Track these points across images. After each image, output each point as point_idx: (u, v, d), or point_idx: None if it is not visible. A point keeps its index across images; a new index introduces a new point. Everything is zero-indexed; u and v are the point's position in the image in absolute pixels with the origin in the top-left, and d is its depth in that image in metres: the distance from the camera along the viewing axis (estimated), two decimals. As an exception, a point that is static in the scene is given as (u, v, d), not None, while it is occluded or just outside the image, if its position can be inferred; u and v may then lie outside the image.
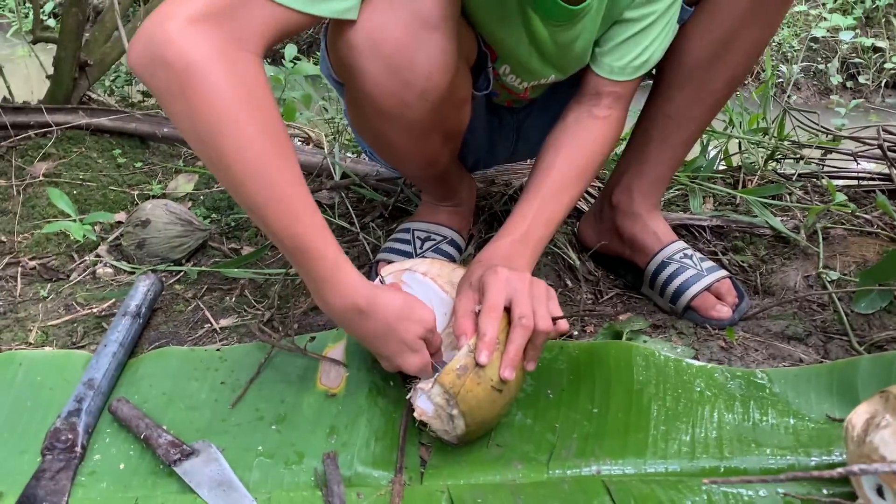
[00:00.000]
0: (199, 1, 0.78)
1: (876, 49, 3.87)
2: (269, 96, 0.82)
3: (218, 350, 1.13)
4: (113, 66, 2.37)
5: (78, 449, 0.96)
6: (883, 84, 3.79)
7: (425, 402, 0.93)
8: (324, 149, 1.87)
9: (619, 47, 1.08)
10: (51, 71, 1.88)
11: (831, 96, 3.20)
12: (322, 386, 1.02)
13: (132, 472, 0.94)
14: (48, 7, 3.50)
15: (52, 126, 1.75)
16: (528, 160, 1.58)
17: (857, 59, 3.88)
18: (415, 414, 0.94)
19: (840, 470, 0.73)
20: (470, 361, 0.89)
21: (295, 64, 1.83)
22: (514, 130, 1.31)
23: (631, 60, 1.09)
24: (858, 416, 0.83)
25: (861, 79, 3.84)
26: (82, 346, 1.20)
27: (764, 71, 1.91)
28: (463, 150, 1.31)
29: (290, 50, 1.79)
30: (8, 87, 1.88)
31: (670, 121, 1.23)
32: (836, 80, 3.79)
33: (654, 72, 1.20)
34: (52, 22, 3.26)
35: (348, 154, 1.97)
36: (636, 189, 1.30)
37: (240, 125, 0.79)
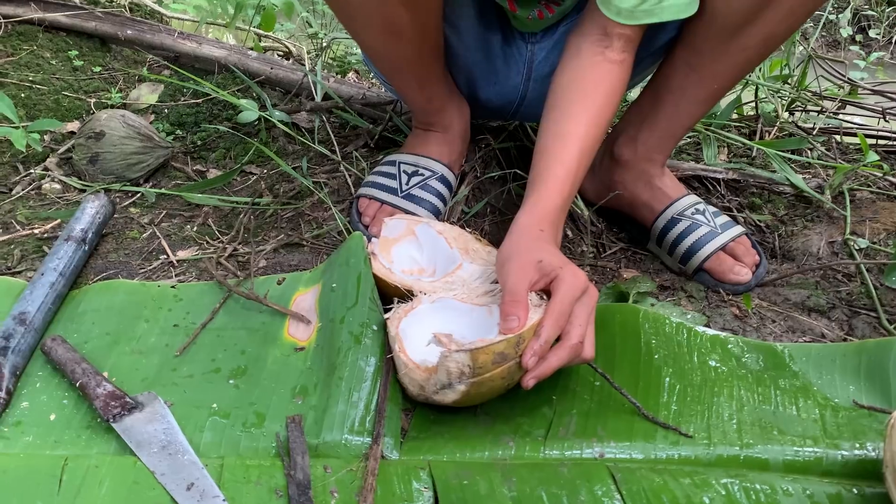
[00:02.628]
0: None
1: (890, 2, 3.71)
2: None
3: (173, 287, 0.99)
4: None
5: (2, 394, 0.83)
6: (894, 40, 3.64)
7: (428, 348, 0.81)
8: (305, 65, 1.69)
9: None
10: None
11: (850, 47, 3.04)
12: (290, 337, 0.89)
13: (64, 424, 0.81)
14: None
15: (-1, 18, 1.56)
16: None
17: (869, 12, 3.71)
18: (395, 346, 0.82)
19: None
20: (511, 353, 0.77)
21: (277, -34, 1.64)
22: (526, 64, 1.15)
23: (639, 3, 0.94)
24: (906, 414, 0.72)
25: (871, 32, 3.69)
26: (18, 273, 1.06)
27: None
28: (457, 69, 1.16)
29: (272, -50, 1.61)
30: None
31: (692, 72, 1.08)
32: (846, 32, 3.63)
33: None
34: None
35: (332, 74, 1.79)
36: (642, 143, 1.16)
37: None
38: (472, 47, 1.12)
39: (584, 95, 0.99)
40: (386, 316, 0.87)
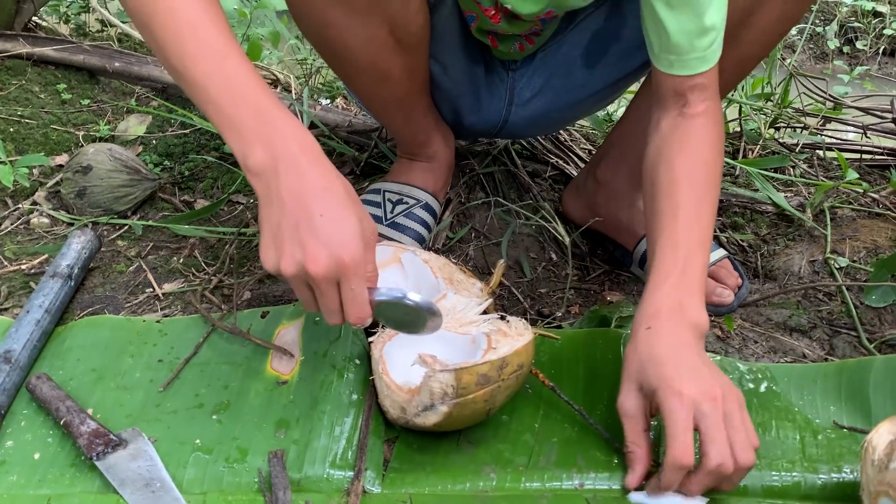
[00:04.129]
0: None
1: (876, 14, 3.73)
2: None
3: (158, 321, 1.00)
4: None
5: (-13, 434, 0.83)
6: (881, 51, 3.66)
7: (411, 370, 0.82)
8: (292, 92, 1.71)
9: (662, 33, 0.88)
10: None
11: (833, 62, 3.08)
12: (273, 371, 0.90)
13: (48, 463, 0.82)
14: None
15: (-12, 54, 1.57)
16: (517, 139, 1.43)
17: (856, 24, 3.74)
18: (378, 367, 0.83)
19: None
20: (495, 376, 0.78)
21: (261, -3, 1.66)
22: (508, 90, 1.16)
23: (688, 51, 0.88)
24: (880, 437, 0.73)
25: (859, 44, 3.71)
26: (5, 310, 1.06)
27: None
28: (443, 100, 1.17)
29: (257, -19, 1.63)
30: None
31: None
32: (833, 44, 3.65)
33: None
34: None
35: (321, 100, 1.81)
36: (624, 166, 1.17)
37: None
38: (457, 80, 1.14)
39: (669, 166, 0.91)
40: (370, 339, 0.88)
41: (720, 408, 0.75)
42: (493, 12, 1.00)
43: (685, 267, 0.84)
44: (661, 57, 0.91)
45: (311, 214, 0.74)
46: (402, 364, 0.85)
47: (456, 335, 0.88)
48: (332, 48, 0.99)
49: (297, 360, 0.91)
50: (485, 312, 0.95)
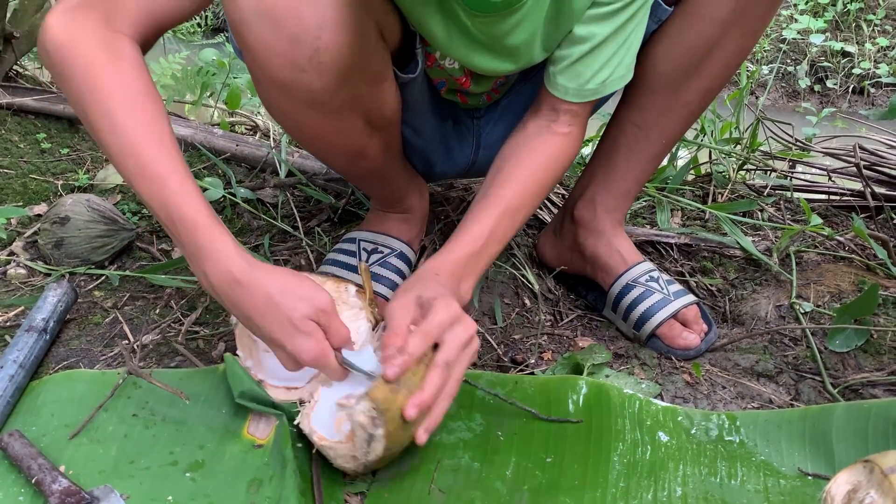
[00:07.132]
0: None
1: (845, 54, 3.84)
2: (139, 69, 0.87)
3: (132, 374, 1.00)
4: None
5: (-42, 494, 0.83)
6: (850, 89, 3.76)
7: (339, 422, 0.84)
8: (270, 139, 1.73)
9: (571, 69, 0.98)
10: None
11: (803, 104, 3.16)
12: (249, 435, 0.90)
13: (20, 522, 0.82)
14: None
15: (-32, 104, 1.59)
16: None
17: (825, 63, 3.84)
18: (314, 438, 0.85)
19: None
20: (402, 379, 0.81)
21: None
22: (475, 137, 1.20)
23: (585, 83, 0.99)
24: (839, 487, 0.75)
25: (829, 83, 3.81)
26: (-21, 364, 1.07)
27: (739, 74, 1.83)
28: (415, 154, 1.20)
29: (236, 32, 1.66)
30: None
31: (639, 131, 1.14)
32: (804, 83, 3.75)
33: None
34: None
35: (299, 148, 1.84)
36: (600, 203, 1.20)
37: (104, 95, 0.85)
38: (429, 138, 1.17)
39: (517, 162, 1.03)
40: (296, 421, 0.88)
41: (466, 336, 0.86)
42: (463, 79, 1.04)
43: (484, 249, 0.97)
44: (556, 83, 1.01)
45: (269, 333, 0.84)
46: (333, 423, 0.86)
47: (362, 359, 0.88)
48: (308, 140, 1.03)
49: (273, 424, 0.91)
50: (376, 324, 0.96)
